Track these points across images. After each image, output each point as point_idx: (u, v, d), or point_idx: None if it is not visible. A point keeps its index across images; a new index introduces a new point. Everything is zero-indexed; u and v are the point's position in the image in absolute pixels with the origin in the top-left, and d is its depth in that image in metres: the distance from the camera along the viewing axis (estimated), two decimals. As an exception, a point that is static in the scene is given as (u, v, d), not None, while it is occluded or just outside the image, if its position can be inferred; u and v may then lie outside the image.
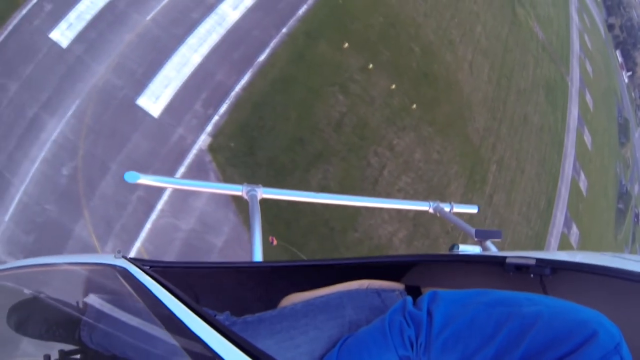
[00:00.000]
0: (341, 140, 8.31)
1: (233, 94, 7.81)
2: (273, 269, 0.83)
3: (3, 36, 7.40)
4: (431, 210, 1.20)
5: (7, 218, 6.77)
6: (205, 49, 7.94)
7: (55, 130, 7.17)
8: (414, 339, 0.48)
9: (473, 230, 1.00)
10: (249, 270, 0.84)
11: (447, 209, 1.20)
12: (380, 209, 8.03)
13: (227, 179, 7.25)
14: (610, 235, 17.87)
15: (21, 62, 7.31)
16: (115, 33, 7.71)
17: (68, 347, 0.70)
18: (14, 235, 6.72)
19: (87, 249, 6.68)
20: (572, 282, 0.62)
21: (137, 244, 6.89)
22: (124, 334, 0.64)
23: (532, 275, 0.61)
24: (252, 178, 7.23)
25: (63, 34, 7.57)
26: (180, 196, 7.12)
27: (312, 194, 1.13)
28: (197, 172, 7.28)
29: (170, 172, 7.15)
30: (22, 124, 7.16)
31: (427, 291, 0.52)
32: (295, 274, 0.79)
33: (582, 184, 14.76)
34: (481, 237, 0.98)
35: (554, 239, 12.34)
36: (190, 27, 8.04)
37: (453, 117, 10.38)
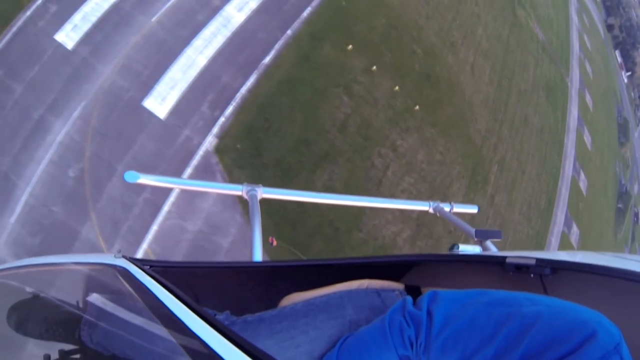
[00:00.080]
0: (346, 141, 8.61)
1: (239, 95, 8.06)
2: (273, 269, 0.85)
3: (7, 37, 7.55)
4: (431, 211, 1.21)
5: (13, 220, 6.93)
6: (210, 51, 8.17)
7: (61, 132, 7.35)
8: (413, 338, 0.48)
9: (473, 230, 1.01)
10: (249, 270, 0.85)
11: (447, 209, 1.21)
12: (384, 210, 8.34)
13: (233, 180, 7.49)
14: (610, 234, 18.41)
15: (26, 64, 7.48)
16: (121, 35, 7.91)
17: (68, 346, 0.71)
18: (20, 237, 6.89)
19: (94, 250, 6.86)
20: (572, 282, 0.63)
21: (144, 246, 7.09)
22: (124, 333, 0.66)
23: (532, 275, 0.62)
24: (258, 179, 7.48)
25: (68, 36, 7.75)
26: (187, 198, 7.34)
27: (312, 193, 1.15)
28: (203, 173, 7.51)
29: (177, 174, 7.36)
30: (28, 125, 7.33)
31: (427, 291, 0.53)
32: (295, 274, 0.80)
33: (582, 183, 15.24)
34: (481, 237, 0.99)
35: (554, 238, 12.77)
36: (195, 29, 8.27)
37: (455, 118, 10.74)
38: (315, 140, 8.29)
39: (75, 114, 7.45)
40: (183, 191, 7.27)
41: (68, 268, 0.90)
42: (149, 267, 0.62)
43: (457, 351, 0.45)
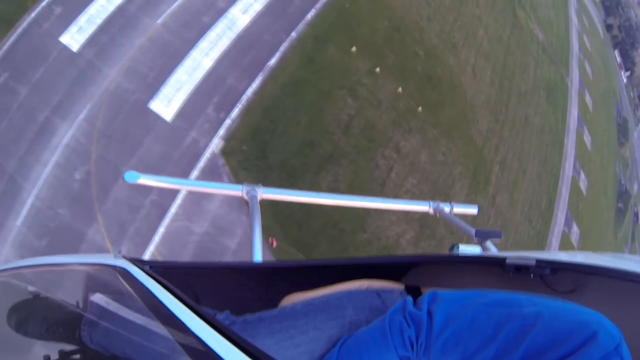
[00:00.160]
0: (350, 142, 8.91)
1: (244, 97, 8.32)
2: (273, 269, 0.88)
3: (12, 39, 7.72)
4: (431, 211, 1.23)
5: (19, 222, 7.10)
6: (216, 53, 8.42)
7: (66, 134, 7.54)
8: (414, 339, 0.49)
9: (473, 231, 1.04)
10: (249, 270, 0.87)
11: (447, 209, 1.23)
12: (388, 211, 8.65)
13: (240, 182, 7.71)
14: (610, 234, 18.94)
15: (31, 66, 7.65)
16: (126, 37, 8.13)
17: (68, 346, 0.72)
18: (26, 239, 7.06)
19: (100, 252, 7.06)
20: (573, 282, 0.63)
21: (151, 248, 7.31)
22: (124, 333, 0.67)
23: (532, 276, 0.63)
24: (264, 181, 7.72)
25: (73, 38, 7.95)
26: (194, 199, 7.58)
27: (312, 194, 1.17)
28: (210, 175, 7.76)
29: (183, 176, 7.57)
30: (33, 128, 7.50)
31: (427, 292, 0.54)
32: (295, 274, 0.81)
33: (582, 183, 15.71)
34: (481, 237, 1.01)
35: (555, 238, 13.19)
36: (201, 31, 8.51)
37: (457, 119, 11.11)
38: (319, 141, 8.59)
39: (81, 116, 7.64)
40: (189, 193, 7.50)
41: (68, 268, 0.92)
42: (148, 267, 0.63)
43: (457, 352, 0.46)
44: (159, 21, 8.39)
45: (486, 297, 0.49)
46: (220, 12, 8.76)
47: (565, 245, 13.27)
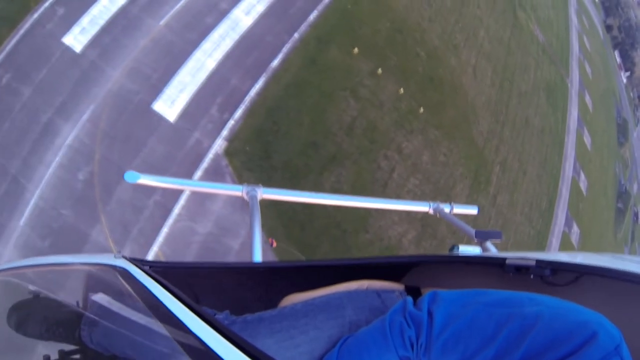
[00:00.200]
0: (353, 143, 9.09)
1: (248, 98, 8.46)
2: (273, 269, 0.88)
3: (15, 40, 7.82)
4: (431, 211, 1.23)
5: (22, 223, 7.20)
6: (219, 54, 8.56)
7: (70, 135, 7.65)
8: (414, 339, 0.50)
9: (473, 231, 1.05)
10: (249, 270, 0.87)
11: (447, 210, 1.24)
12: (390, 211, 8.83)
13: (243, 182, 7.86)
14: (610, 234, 19.25)
15: (34, 67, 7.75)
16: (129, 38, 8.25)
17: (68, 346, 0.73)
18: (29, 240, 7.16)
19: (104, 253, 7.15)
20: (573, 283, 0.64)
21: (155, 248, 7.43)
22: (124, 333, 0.68)
23: (532, 277, 0.64)
24: (267, 181, 7.90)
25: (76, 39, 8.05)
26: (197, 200, 7.72)
27: (311, 194, 1.18)
28: (213, 175, 7.90)
29: (187, 176, 7.70)
30: (36, 129, 7.60)
31: (427, 292, 0.55)
32: (295, 274, 0.82)
33: (582, 183, 15.98)
34: (481, 238, 1.02)
35: (555, 238, 13.44)
36: (204, 32, 8.65)
37: (458, 120, 11.32)
38: (322, 142, 8.75)
39: (85, 117, 7.75)
40: (193, 194, 7.62)
41: (68, 268, 0.94)
42: (148, 267, 0.64)
43: (457, 352, 0.46)
44: (162, 22, 8.52)
45: (486, 297, 0.50)
46: (223, 13, 8.90)
47: (565, 245, 13.51)
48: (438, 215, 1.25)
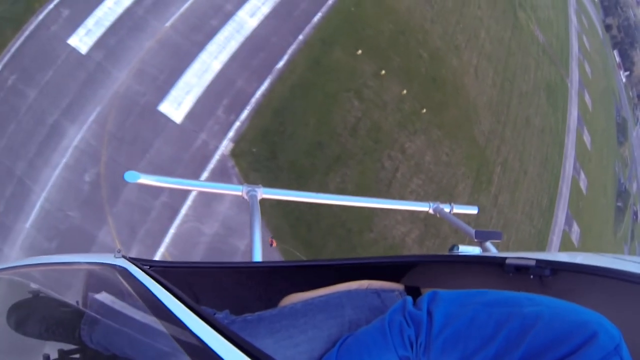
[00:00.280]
0: (357, 144, 9.44)
1: (254, 100, 8.76)
2: (273, 269, 0.90)
3: (19, 42, 8.01)
4: (431, 211, 1.26)
5: (28, 225, 7.40)
6: (225, 56, 8.85)
7: (76, 136, 7.87)
8: (413, 339, 0.51)
9: (473, 231, 1.07)
10: (249, 270, 0.89)
11: (447, 210, 1.26)
12: (394, 211, 9.19)
13: (250, 183, 8.15)
14: (610, 232, 19.85)
15: (39, 68, 7.95)
16: (135, 39, 8.49)
17: (68, 346, 0.75)
18: (35, 242, 7.36)
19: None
20: (572, 283, 0.66)
21: (162, 249, 7.69)
22: (124, 333, 0.69)
23: (531, 277, 0.65)
24: (274, 182, 8.20)
25: (82, 40, 8.27)
26: (204, 201, 7.99)
27: (311, 194, 1.20)
28: (220, 177, 8.18)
29: (193, 178, 7.97)
30: (42, 130, 7.81)
31: (426, 292, 0.56)
32: (295, 274, 0.84)
33: (582, 183, 16.51)
34: (481, 238, 1.04)
35: (556, 237, 13.93)
36: (209, 34, 8.93)
37: (460, 120, 11.74)
38: (328, 143, 9.08)
39: (91, 118, 7.97)
40: (200, 194, 7.89)
41: (68, 268, 0.96)
42: (148, 267, 0.65)
43: (457, 351, 0.47)
44: (168, 24, 8.77)
45: (486, 297, 0.51)
46: (228, 15, 9.18)
47: (565, 243, 14.00)
48: (438, 215, 1.27)
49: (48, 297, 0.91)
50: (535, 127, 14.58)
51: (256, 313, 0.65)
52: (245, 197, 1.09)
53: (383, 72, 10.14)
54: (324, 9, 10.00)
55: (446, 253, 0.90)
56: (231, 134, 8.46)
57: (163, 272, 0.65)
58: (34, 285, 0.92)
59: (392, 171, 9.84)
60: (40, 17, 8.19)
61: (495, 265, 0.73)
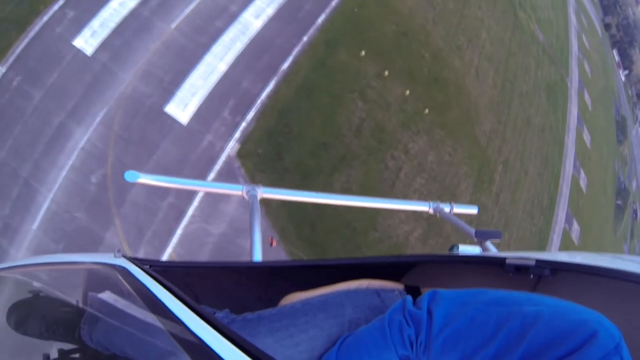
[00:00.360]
0: (361, 144, 9.80)
1: (259, 101, 9.08)
2: (272, 269, 0.91)
3: (24, 43, 8.21)
4: (431, 211, 1.29)
5: (35, 227, 7.62)
6: (230, 57, 9.14)
7: (83, 138, 8.10)
8: (413, 338, 0.52)
9: (473, 231, 1.09)
10: (249, 270, 0.91)
11: (447, 209, 1.29)
12: (397, 210, 9.56)
13: (256, 183, 8.45)
14: (609, 231, 20.46)
15: (45, 70, 8.17)
16: (141, 40, 8.74)
17: (68, 346, 0.77)
18: (42, 243, 7.58)
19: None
20: (572, 283, 0.68)
21: (169, 250, 7.96)
22: (124, 332, 0.72)
23: (531, 276, 0.67)
24: (280, 183, 8.52)
25: (87, 42, 8.50)
26: (211, 202, 8.28)
27: (312, 194, 1.23)
28: (226, 177, 8.47)
29: (200, 179, 8.27)
30: (48, 132, 8.03)
31: (426, 291, 0.57)
32: (295, 274, 0.85)
33: (582, 181, 17.05)
34: (481, 237, 1.06)
35: (556, 235, 14.43)
36: (214, 35, 9.21)
37: (462, 120, 12.17)
38: (332, 144, 9.43)
39: (97, 120, 8.21)
40: (207, 195, 8.18)
41: (68, 267, 0.98)
42: (148, 266, 0.66)
43: (457, 351, 0.49)
44: (173, 25, 9.04)
45: (486, 296, 0.52)
46: (233, 17, 9.48)
47: (566, 241, 14.50)
48: (438, 215, 1.32)
49: (48, 296, 0.93)
50: (535, 127, 15.06)
51: (256, 312, 0.67)
52: (245, 196, 1.11)
53: (386, 73, 10.51)
54: (328, 10, 10.34)
55: (446, 253, 0.92)
56: (237, 135, 8.76)
57: (163, 271, 0.67)
58: (34, 285, 0.94)
59: (395, 171, 10.21)
60: (45, 18, 8.41)
61: (495, 265, 0.75)
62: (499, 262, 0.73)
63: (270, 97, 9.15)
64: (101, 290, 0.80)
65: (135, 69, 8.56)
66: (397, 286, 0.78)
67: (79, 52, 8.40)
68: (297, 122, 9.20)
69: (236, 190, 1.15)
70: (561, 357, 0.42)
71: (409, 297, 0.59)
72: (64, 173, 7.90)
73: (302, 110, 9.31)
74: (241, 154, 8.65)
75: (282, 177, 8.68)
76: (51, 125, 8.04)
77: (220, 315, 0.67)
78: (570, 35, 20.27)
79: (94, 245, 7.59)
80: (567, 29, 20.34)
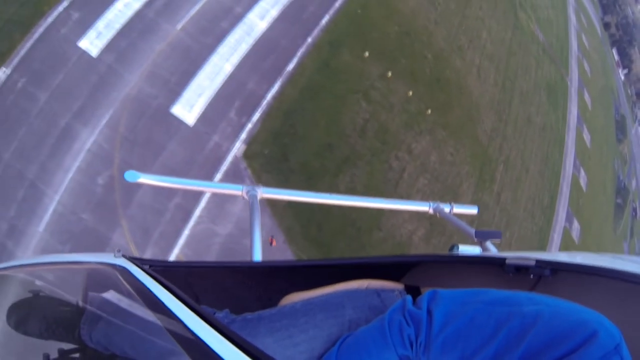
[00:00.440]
0: (365, 145, 10.15)
1: (265, 102, 9.37)
2: (272, 269, 0.94)
3: (29, 45, 8.39)
4: (431, 211, 1.30)
5: (41, 229, 7.82)
6: (236, 59, 9.41)
7: (89, 139, 8.31)
8: (413, 338, 0.53)
9: (473, 231, 1.11)
10: (249, 270, 0.94)
11: (447, 209, 1.30)
12: (398, 210, 9.89)
13: (263, 184, 8.73)
14: (609, 229, 21.07)
15: (50, 71, 8.36)
16: (146, 42, 8.97)
17: (68, 345, 0.79)
18: (48, 245, 7.78)
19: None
20: (572, 283, 0.69)
21: (176, 251, 8.21)
22: (124, 332, 0.74)
23: (531, 277, 0.69)
24: (286, 183, 8.83)
25: (92, 43, 8.71)
26: (218, 202, 8.55)
27: (311, 193, 1.24)
28: (232, 178, 8.75)
29: (207, 180, 8.53)
30: (54, 133, 8.23)
31: (426, 291, 0.58)
32: (295, 274, 0.88)
33: (582, 180, 17.59)
34: (481, 237, 1.08)
35: (557, 234, 14.93)
36: (220, 36, 9.48)
37: (463, 120, 12.59)
38: (337, 144, 9.76)
39: (103, 121, 8.43)
40: (214, 196, 8.44)
41: (68, 267, 1.00)
42: (148, 266, 0.68)
43: (457, 350, 0.50)
44: (178, 26, 9.28)
45: (486, 296, 0.54)
46: (238, 18, 9.75)
47: (566, 240, 15.00)
48: (438, 215, 1.32)
49: (48, 296, 0.95)
50: (536, 126, 15.55)
51: (256, 312, 0.68)
52: (245, 196, 1.13)
53: (389, 73, 10.88)
54: (331, 11, 10.66)
55: (446, 253, 0.94)
56: (243, 135, 9.04)
57: (163, 271, 0.68)
58: (34, 284, 0.96)
59: (399, 171, 10.58)
60: (50, 19, 8.59)
61: (495, 265, 0.76)
62: (499, 262, 0.74)
63: (275, 98, 9.44)
64: (101, 290, 0.82)
65: (141, 70, 8.79)
66: (397, 286, 0.79)
67: (84, 54, 8.61)
68: (302, 123, 9.51)
69: (236, 190, 1.17)
70: (561, 356, 0.43)
71: (409, 297, 0.61)
72: (70, 175, 8.10)
73: (307, 111, 9.63)
74: (247, 154, 8.93)
75: (287, 178, 8.99)
76: (57, 127, 8.24)
77: (220, 315, 0.69)
78: (570, 34, 20.84)
79: (100, 246, 7.80)
80: (567, 29, 20.91)
